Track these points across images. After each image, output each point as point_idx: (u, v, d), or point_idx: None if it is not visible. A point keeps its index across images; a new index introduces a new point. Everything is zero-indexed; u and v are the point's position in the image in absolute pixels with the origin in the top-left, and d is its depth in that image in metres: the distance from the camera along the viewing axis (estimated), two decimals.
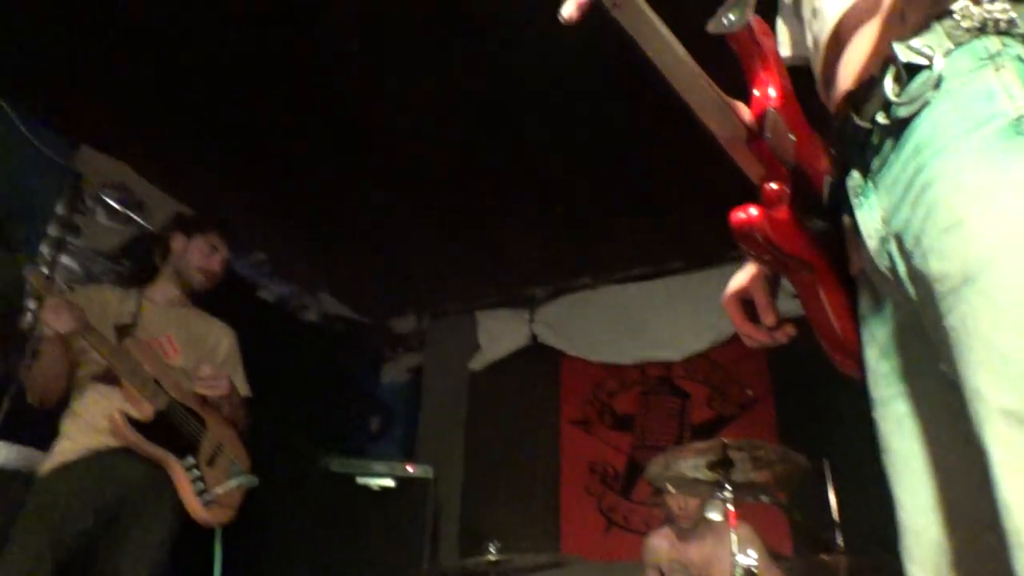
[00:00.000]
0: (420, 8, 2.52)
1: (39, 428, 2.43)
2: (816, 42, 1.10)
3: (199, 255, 2.61)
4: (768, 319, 1.18)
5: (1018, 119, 0.77)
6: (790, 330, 1.17)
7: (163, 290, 2.61)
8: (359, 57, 2.72)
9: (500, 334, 4.54)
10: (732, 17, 0.97)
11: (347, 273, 4.31)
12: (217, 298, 2.73)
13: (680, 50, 0.93)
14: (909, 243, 0.85)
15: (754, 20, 1.08)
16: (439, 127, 3.11)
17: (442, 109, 3.00)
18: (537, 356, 4.45)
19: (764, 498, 2.72)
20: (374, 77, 2.84)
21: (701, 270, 4.07)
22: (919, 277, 0.83)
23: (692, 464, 2.48)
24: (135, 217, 3.27)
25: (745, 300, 1.22)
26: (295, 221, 3.77)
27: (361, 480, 4.01)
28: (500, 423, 4.41)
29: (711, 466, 2.43)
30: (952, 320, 0.77)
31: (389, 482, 4.04)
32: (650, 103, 2.71)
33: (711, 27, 0.97)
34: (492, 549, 2.67)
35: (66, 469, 2.24)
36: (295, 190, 3.51)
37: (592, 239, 3.93)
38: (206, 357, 2.60)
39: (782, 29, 1.31)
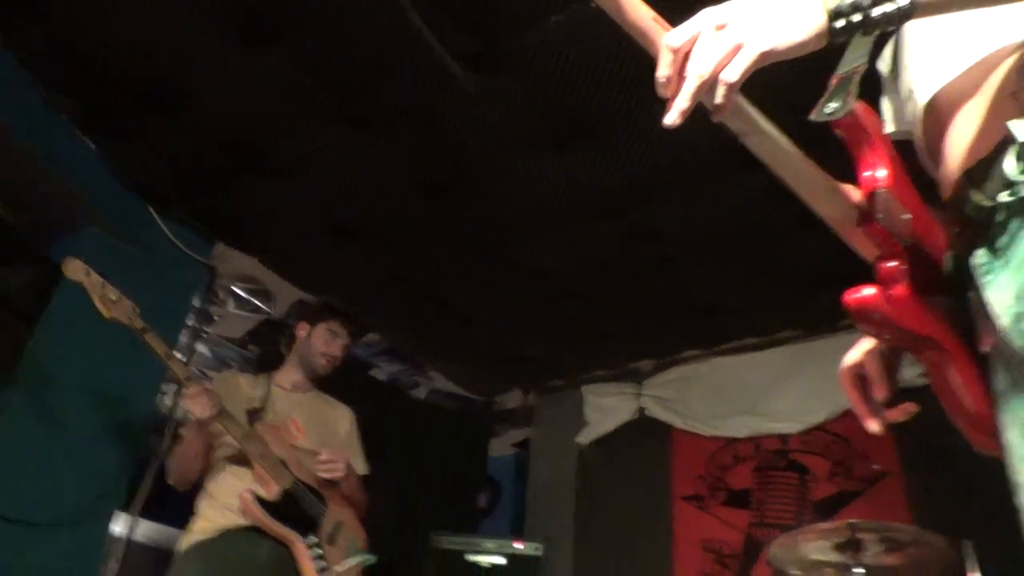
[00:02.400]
0: (547, 121, 2.64)
1: (177, 507, 2.59)
2: (914, 119, 1.10)
3: (321, 342, 2.77)
4: (880, 393, 1.15)
5: None
6: (910, 408, 1.13)
7: (289, 375, 2.78)
8: (487, 162, 2.86)
9: (607, 408, 4.50)
10: (835, 105, 0.99)
11: (456, 352, 4.43)
12: (332, 377, 2.87)
13: (784, 140, 0.96)
14: None
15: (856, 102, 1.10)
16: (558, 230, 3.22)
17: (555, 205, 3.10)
18: (646, 430, 4.36)
19: None
20: (500, 181, 2.97)
21: (814, 339, 3.94)
22: None
23: (817, 546, 2.36)
24: (262, 305, 3.51)
25: (862, 376, 1.19)
26: (408, 305, 3.93)
27: (472, 557, 4.01)
28: (610, 499, 4.33)
29: (838, 548, 2.31)
30: None
31: (500, 559, 4.02)
32: (754, 177, 2.76)
33: (814, 116, 0.99)
34: None
35: (202, 548, 2.37)
36: (408, 278, 3.68)
37: (698, 310, 3.89)
38: (328, 438, 2.72)
39: (886, 105, 1.32)
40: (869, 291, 0.97)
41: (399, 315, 4.02)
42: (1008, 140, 0.88)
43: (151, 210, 3.12)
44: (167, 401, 3.19)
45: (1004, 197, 0.89)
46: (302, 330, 2.81)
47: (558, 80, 2.40)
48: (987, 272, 0.94)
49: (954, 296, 1.09)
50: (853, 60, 1.04)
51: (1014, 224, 0.89)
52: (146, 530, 3.03)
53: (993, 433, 1.03)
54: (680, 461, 4.24)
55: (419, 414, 4.74)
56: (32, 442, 2.58)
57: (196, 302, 3.22)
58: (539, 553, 4.03)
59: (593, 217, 3.11)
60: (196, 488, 2.54)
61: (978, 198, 0.93)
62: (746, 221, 3.06)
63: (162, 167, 2.96)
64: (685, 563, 3.98)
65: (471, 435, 5.03)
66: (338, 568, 2.48)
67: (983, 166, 0.93)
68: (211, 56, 2.41)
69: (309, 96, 2.54)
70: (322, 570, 2.45)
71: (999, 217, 0.91)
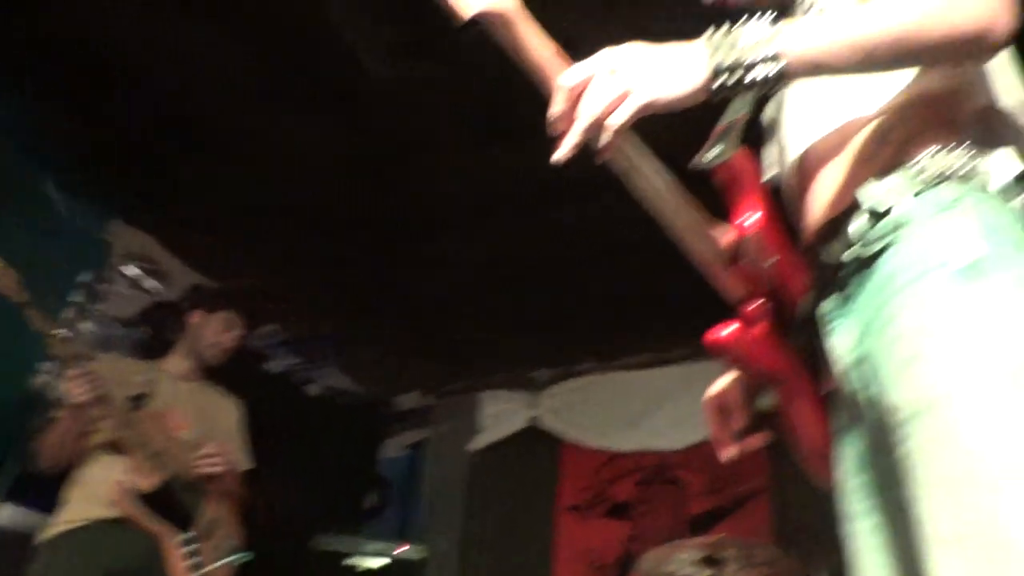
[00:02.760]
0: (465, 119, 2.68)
1: (45, 492, 2.48)
2: (784, 173, 1.21)
3: (214, 332, 2.70)
4: (737, 423, 1.24)
5: (970, 265, 0.85)
6: (765, 436, 1.22)
7: (178, 363, 2.69)
8: (414, 151, 2.85)
9: (501, 416, 4.56)
10: (716, 152, 1.08)
11: (354, 348, 4.39)
12: (222, 367, 2.79)
13: (663, 180, 1.03)
14: (871, 372, 0.92)
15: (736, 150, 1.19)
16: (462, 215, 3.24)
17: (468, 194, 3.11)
18: (537, 440, 4.45)
19: None
20: (423, 172, 2.97)
21: (704, 360, 4.10)
22: (878, 405, 0.90)
23: (683, 560, 2.47)
24: (155, 286, 3.39)
25: (724, 405, 1.28)
26: (315, 293, 3.87)
27: (352, 559, 3.99)
28: (497, 505, 4.39)
29: (703, 563, 2.43)
30: (901, 451, 0.84)
31: (381, 561, 4.01)
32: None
33: (696, 163, 1.07)
34: None
35: (67, 538, 2.27)
36: (317, 265, 3.64)
37: (597, 324, 4.00)
38: (212, 431, 2.65)
39: (768, 153, 1.43)
40: (728, 330, 1.06)
41: (304, 303, 3.96)
42: (857, 201, 0.98)
43: (44, 179, 2.97)
44: (45, 379, 3.03)
45: (849, 255, 0.99)
46: (196, 318, 2.73)
47: (490, 71, 2.43)
48: (832, 319, 1.04)
49: (808, 337, 1.19)
50: (736, 111, 1.13)
51: (856, 279, 0.99)
52: (12, 514, 2.88)
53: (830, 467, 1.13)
54: (567, 472, 4.35)
55: (312, 410, 4.67)
56: None
57: (86, 278, 3.08)
58: (423, 556, 4.05)
59: (509, 215, 3.13)
60: (65, 474, 2.43)
61: (829, 252, 1.03)
62: (653, 235, 3.18)
63: (64, 134, 2.83)
64: (565, 572, 4.08)
65: (365, 434, 4.99)
66: (212, 565, 2.43)
67: (836, 224, 1.03)
68: (137, 25, 2.33)
69: (232, 74, 2.50)
70: (195, 566, 2.39)
71: (845, 271, 1.01)
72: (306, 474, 4.39)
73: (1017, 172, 0.94)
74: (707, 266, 1.12)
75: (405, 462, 5.04)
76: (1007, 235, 0.87)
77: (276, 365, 4.39)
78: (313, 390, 4.68)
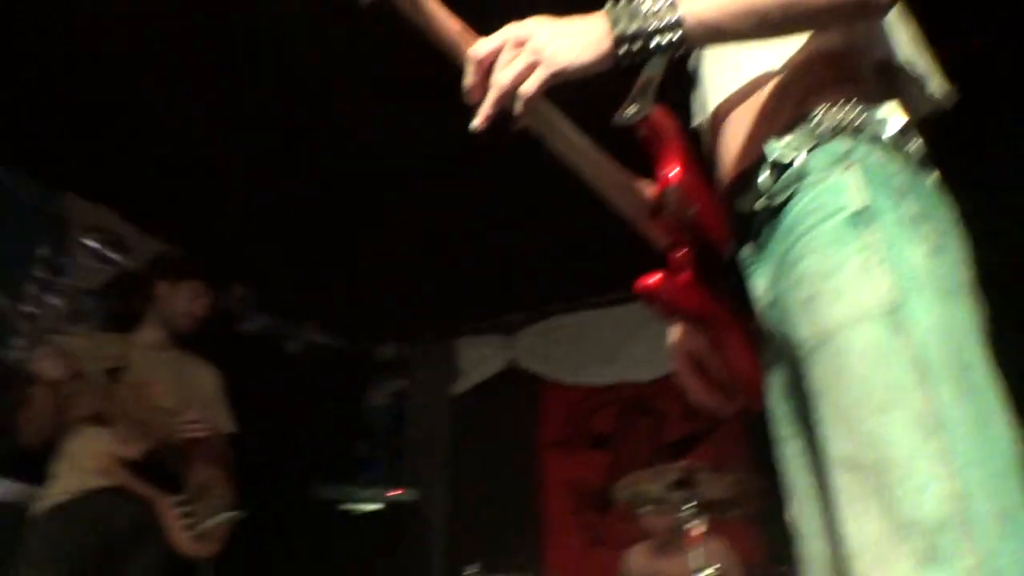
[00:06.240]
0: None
1: (34, 465, 2.53)
2: (701, 127, 1.25)
3: (183, 301, 2.72)
4: (713, 372, 1.28)
5: (857, 212, 0.91)
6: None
7: (150, 334, 2.72)
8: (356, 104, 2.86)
9: (480, 360, 4.67)
10: (634, 110, 1.11)
11: (329, 302, 4.43)
12: (198, 334, 2.82)
13: (583, 141, 1.07)
14: (781, 312, 0.99)
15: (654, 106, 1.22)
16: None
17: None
18: (516, 380, 4.57)
19: (730, 514, 2.82)
20: (367, 112, 2.98)
21: None
22: (789, 341, 0.98)
23: (657, 484, 2.60)
24: (117, 257, 3.39)
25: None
26: (278, 250, 3.89)
27: (347, 506, 4.12)
28: (482, 446, 4.53)
29: (675, 487, 2.55)
30: (807, 380, 0.92)
31: (375, 506, 4.15)
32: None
33: (617, 120, 1.11)
34: (471, 571, 2.79)
35: (61, 510, 2.34)
36: (277, 219, 3.65)
37: (567, 264, 4.05)
38: (192, 397, 2.70)
39: (694, 100, 1.46)
40: (655, 278, 1.11)
41: (272, 261, 3.98)
42: (763, 155, 1.03)
43: None
44: (16, 355, 3.05)
45: (759, 205, 1.05)
46: (162, 288, 2.75)
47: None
48: (749, 264, 1.11)
49: (735, 280, 1.25)
50: (651, 69, 1.16)
51: (767, 227, 1.05)
52: (2, 488, 2.93)
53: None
54: (548, 409, 4.49)
55: (292, 367, 4.72)
56: None
57: (44, 252, 3.08)
58: (414, 499, 4.19)
59: (466, 166, 3.16)
60: (53, 446, 2.49)
61: (742, 203, 1.08)
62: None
63: (4, 109, 2.81)
64: (553, 505, 4.25)
65: (347, 386, 5.08)
66: (204, 525, 2.52)
67: (746, 176, 1.08)
68: None
69: (162, 39, 2.50)
70: (190, 527, 2.48)
71: (757, 220, 1.07)
72: (294, 429, 4.49)
73: (902, 124, 0.99)
74: (632, 219, 1.17)
75: (390, 410, 5.14)
76: (890, 184, 0.93)
77: (252, 326, 4.42)
78: (292, 347, 4.73)
